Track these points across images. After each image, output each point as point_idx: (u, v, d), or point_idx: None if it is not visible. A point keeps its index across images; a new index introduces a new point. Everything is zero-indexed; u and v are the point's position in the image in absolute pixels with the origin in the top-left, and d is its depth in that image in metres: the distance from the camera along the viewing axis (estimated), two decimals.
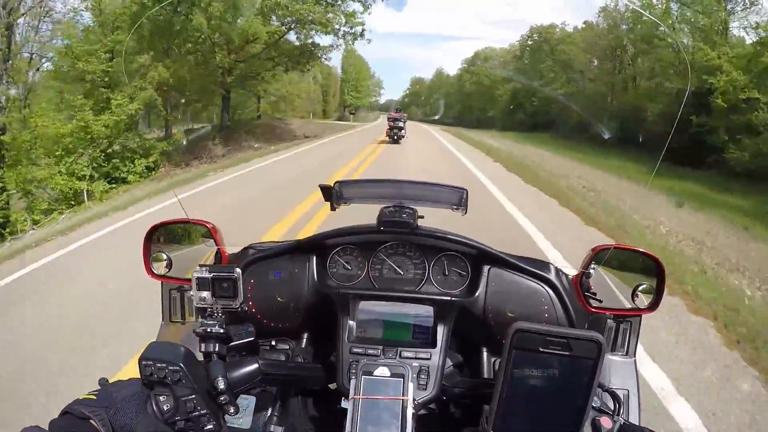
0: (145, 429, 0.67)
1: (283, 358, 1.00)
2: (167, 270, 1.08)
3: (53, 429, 0.60)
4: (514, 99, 41.63)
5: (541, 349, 0.62)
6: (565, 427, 0.65)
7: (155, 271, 1.07)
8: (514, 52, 51.04)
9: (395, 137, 17.69)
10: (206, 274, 0.84)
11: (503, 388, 0.64)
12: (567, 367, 0.62)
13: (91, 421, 0.62)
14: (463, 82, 61.58)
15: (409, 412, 0.72)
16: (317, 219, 5.75)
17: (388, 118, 18.44)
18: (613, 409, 0.76)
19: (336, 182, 1.02)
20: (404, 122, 18.07)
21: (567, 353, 0.62)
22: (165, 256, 1.08)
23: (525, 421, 0.65)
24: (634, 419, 1.00)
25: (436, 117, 64.76)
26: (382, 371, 0.77)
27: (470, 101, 57.01)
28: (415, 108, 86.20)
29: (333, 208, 1.04)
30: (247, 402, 0.90)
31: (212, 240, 1.07)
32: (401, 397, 0.73)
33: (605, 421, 0.71)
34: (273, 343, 1.01)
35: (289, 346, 1.02)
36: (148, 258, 1.07)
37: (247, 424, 0.88)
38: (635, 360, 1.09)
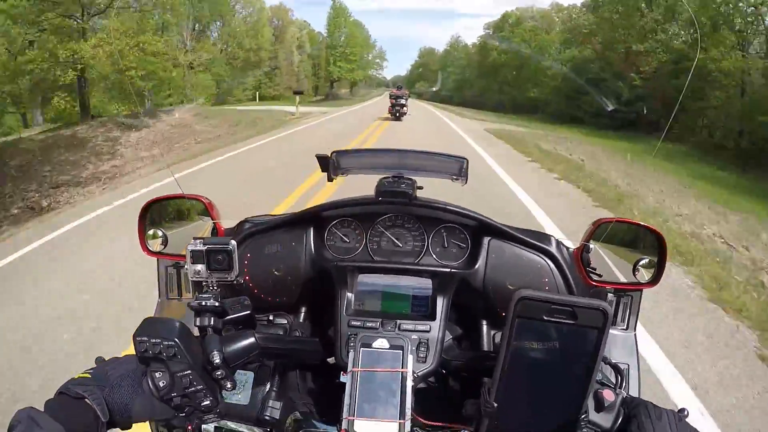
0: (141, 406, 0.66)
1: (280, 332, 0.99)
2: (163, 247, 1.06)
3: (48, 409, 0.59)
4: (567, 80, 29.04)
5: (545, 318, 0.60)
6: (569, 399, 0.63)
7: (150, 248, 1.05)
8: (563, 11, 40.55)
9: (397, 114, 18.19)
10: (200, 247, 0.82)
11: (505, 359, 0.62)
12: (571, 337, 0.61)
13: (86, 400, 0.61)
14: (488, 51, 47.84)
15: (409, 384, 0.71)
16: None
17: (390, 96, 18.81)
18: (615, 382, 0.75)
19: (333, 152, 0.99)
20: (406, 99, 18.58)
21: (572, 322, 0.60)
22: (160, 233, 1.06)
23: (527, 392, 0.64)
24: (634, 393, 1.00)
25: (446, 96, 56.88)
26: (380, 343, 0.75)
27: (498, 77, 44.65)
28: (425, 84, 78.03)
29: (330, 179, 1.01)
30: (245, 377, 0.89)
31: (208, 215, 1.05)
32: (400, 369, 0.72)
33: (608, 394, 0.69)
34: (270, 317, 1.00)
35: (286, 321, 1.01)
36: (143, 235, 1.05)
37: (246, 399, 0.88)
38: (635, 335, 1.08)
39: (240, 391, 0.87)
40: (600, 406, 0.69)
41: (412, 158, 1.01)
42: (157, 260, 1.13)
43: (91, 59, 13.80)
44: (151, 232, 1.06)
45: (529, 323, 0.61)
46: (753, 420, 2.43)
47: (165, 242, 1.06)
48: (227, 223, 1.09)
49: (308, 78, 58.06)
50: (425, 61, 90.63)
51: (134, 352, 0.68)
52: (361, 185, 1.02)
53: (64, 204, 8.04)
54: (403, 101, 18.13)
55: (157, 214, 1.09)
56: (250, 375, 0.91)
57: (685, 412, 0.66)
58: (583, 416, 0.65)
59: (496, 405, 0.63)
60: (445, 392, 0.99)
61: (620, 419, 0.68)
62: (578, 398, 0.63)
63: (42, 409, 0.58)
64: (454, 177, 0.99)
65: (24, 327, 3.31)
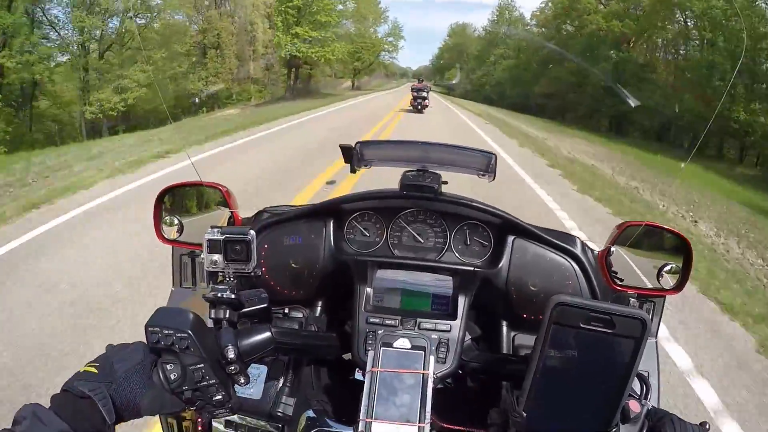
0: (151, 400, 0.64)
1: (296, 326, 0.97)
2: (178, 234, 1.04)
3: (54, 406, 0.57)
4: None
5: (582, 326, 0.56)
6: (601, 411, 0.60)
7: (166, 236, 1.04)
8: None
9: (419, 107, 18.44)
10: (218, 236, 0.79)
11: (538, 367, 0.58)
12: (607, 346, 0.57)
13: (92, 399, 0.59)
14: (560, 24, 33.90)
15: (429, 386, 0.68)
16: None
17: (412, 89, 19.02)
18: (640, 392, 0.71)
19: (357, 143, 0.96)
20: (427, 92, 18.90)
21: (609, 331, 0.56)
22: (176, 221, 1.04)
23: (558, 403, 0.60)
24: (653, 401, 0.96)
25: (487, 94, 40.64)
26: (402, 343, 0.72)
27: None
28: (457, 72, 59.60)
29: (353, 170, 0.98)
30: (258, 372, 0.87)
31: (226, 204, 1.03)
32: (422, 371, 0.68)
33: (633, 405, 0.66)
34: (286, 311, 0.98)
35: (302, 315, 0.99)
36: (159, 222, 1.04)
37: (258, 394, 0.86)
38: (657, 342, 1.05)
39: (252, 385, 0.85)
40: (625, 418, 0.66)
41: (437, 152, 0.97)
42: (172, 248, 1.11)
43: None
44: (167, 219, 1.04)
45: (565, 330, 0.57)
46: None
47: (181, 230, 1.04)
48: (245, 212, 1.07)
49: (349, 64, 43.82)
50: (458, 43, 66.44)
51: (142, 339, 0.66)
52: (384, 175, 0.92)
53: None
54: (424, 94, 18.46)
55: (174, 200, 1.07)
56: (264, 369, 0.89)
57: (707, 426, 0.64)
58: (615, 429, 0.62)
59: (525, 415, 0.60)
60: (462, 394, 0.96)
61: (645, 431, 0.65)
62: (610, 411, 0.59)
63: (47, 406, 0.57)
64: (481, 173, 0.96)
65: None
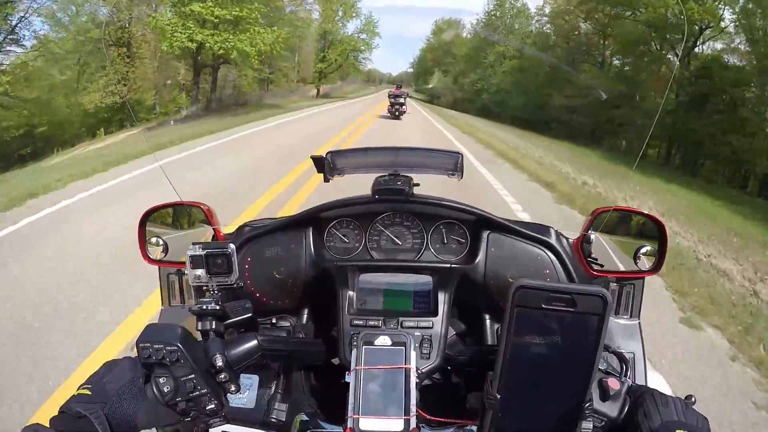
0: (146, 414, 0.66)
1: (283, 334, 0.99)
2: (164, 254, 1.07)
3: (53, 426, 0.59)
4: None
5: (544, 306, 0.60)
6: (573, 388, 0.63)
7: (151, 256, 1.06)
8: None
9: (396, 113, 18.43)
10: (199, 252, 0.82)
11: (506, 350, 0.62)
12: (572, 325, 0.60)
13: (88, 418, 0.61)
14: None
15: (413, 380, 0.71)
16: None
17: (389, 95, 19.16)
18: (620, 370, 0.75)
19: (328, 152, 0.99)
20: (404, 98, 18.86)
21: (571, 309, 0.59)
22: (161, 241, 1.07)
23: (530, 382, 0.63)
24: (640, 381, 1.00)
25: (484, 104, 31.86)
26: (383, 341, 0.75)
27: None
28: (441, 77, 49.56)
29: (326, 180, 1.01)
30: (250, 381, 0.89)
31: (208, 221, 1.05)
32: (404, 366, 0.72)
33: (613, 383, 0.69)
34: (273, 320, 1.01)
35: (289, 323, 1.01)
36: (144, 243, 1.06)
37: (251, 402, 0.88)
38: (639, 322, 1.08)
39: (245, 395, 0.88)
40: (605, 395, 0.69)
41: (407, 155, 1.01)
42: (159, 268, 1.13)
43: None
44: (152, 240, 1.07)
45: (529, 312, 0.60)
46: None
47: (166, 250, 1.07)
48: (228, 228, 1.09)
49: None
50: (443, 42, 55.24)
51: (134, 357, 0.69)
52: (362, 183, 0.99)
53: None
54: (401, 100, 18.61)
55: (158, 222, 1.09)
56: (255, 378, 0.91)
57: (693, 399, 0.66)
58: (587, 405, 0.65)
59: (498, 396, 0.63)
60: (450, 388, 0.99)
61: (626, 407, 0.68)
62: (582, 387, 0.62)
63: (47, 426, 0.59)
64: (450, 172, 0.99)
65: None
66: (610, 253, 1.01)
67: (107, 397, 0.64)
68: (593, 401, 0.68)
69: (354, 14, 40.17)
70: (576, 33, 26.56)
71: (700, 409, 0.65)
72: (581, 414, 0.63)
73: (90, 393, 0.64)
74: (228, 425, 0.85)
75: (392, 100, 18.65)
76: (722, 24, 18.28)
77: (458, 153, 0.99)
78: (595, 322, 0.60)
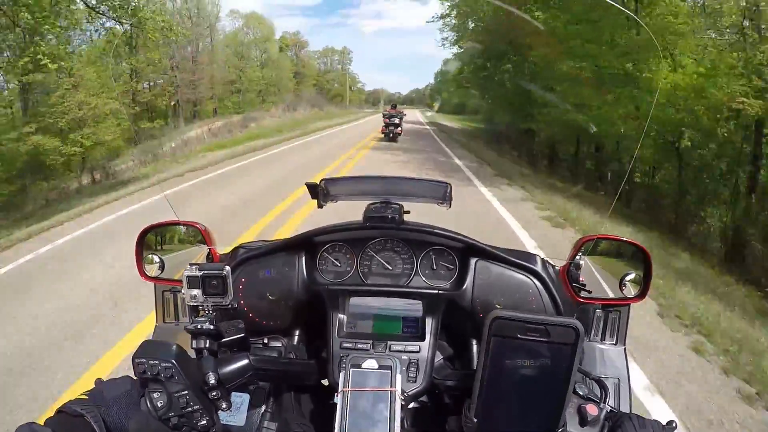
0: (138, 425, 0.68)
1: (275, 355, 1.01)
2: (160, 272, 1.09)
3: (49, 425, 0.61)
4: None
5: (519, 336, 0.63)
6: (547, 413, 0.66)
7: (148, 273, 1.08)
8: None
9: (390, 134, 17.02)
10: (196, 272, 0.85)
11: (484, 376, 0.65)
12: (546, 353, 0.64)
13: (85, 417, 0.63)
14: None
15: (398, 403, 0.73)
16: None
17: (384, 114, 17.73)
18: (599, 396, 0.78)
19: (322, 180, 1.03)
20: (400, 119, 17.26)
21: (545, 339, 0.63)
22: (157, 258, 1.09)
23: (507, 408, 0.66)
24: (624, 407, 1.01)
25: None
26: (370, 364, 0.78)
27: None
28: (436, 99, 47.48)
29: (320, 206, 1.05)
30: (240, 399, 0.91)
31: (204, 241, 1.08)
32: (389, 389, 0.74)
33: (591, 409, 0.72)
34: (266, 340, 1.03)
35: (281, 344, 1.03)
36: (141, 260, 1.08)
37: (242, 421, 0.90)
38: (625, 349, 1.10)
39: (236, 413, 0.90)
40: (584, 421, 0.72)
41: (398, 184, 1.05)
42: (155, 285, 1.15)
43: None
44: (148, 257, 1.09)
45: (506, 342, 0.64)
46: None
47: (162, 267, 1.09)
48: (223, 248, 1.12)
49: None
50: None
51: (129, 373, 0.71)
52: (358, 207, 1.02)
53: None
54: (396, 121, 16.89)
55: (155, 240, 1.12)
56: (246, 397, 0.93)
57: (674, 424, 0.68)
58: (561, 430, 0.68)
59: (476, 420, 0.66)
60: (436, 412, 1.01)
61: None
62: (556, 412, 0.66)
63: (41, 424, 0.61)
64: (439, 201, 1.03)
65: None
66: (596, 279, 1.03)
67: (103, 401, 0.67)
68: (569, 426, 0.71)
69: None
70: None
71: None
72: None
73: (87, 397, 0.67)
74: None
75: (386, 120, 16.96)
76: None
77: (447, 183, 1.03)
78: (568, 351, 0.63)
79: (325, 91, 57.98)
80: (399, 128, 17.09)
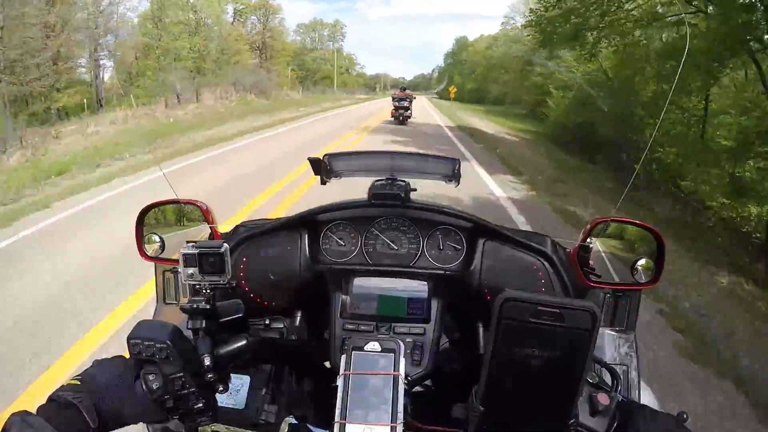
0: (133, 408, 0.66)
1: (276, 336, 0.99)
2: (160, 251, 1.07)
3: (41, 413, 0.59)
4: None
5: (531, 320, 0.59)
6: (559, 402, 0.63)
7: (148, 253, 1.06)
8: None
9: (401, 117, 17.30)
10: (193, 250, 0.82)
11: (492, 362, 0.61)
12: (559, 339, 0.59)
13: (77, 406, 0.61)
14: None
15: (401, 387, 0.70)
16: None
17: (393, 98, 18.04)
18: (611, 385, 0.74)
19: (326, 155, 0.99)
20: (410, 102, 17.62)
21: (559, 324, 0.59)
22: (157, 238, 1.07)
23: (515, 395, 0.63)
24: (633, 395, 0.99)
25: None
26: (372, 346, 0.75)
27: None
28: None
29: (323, 182, 1.02)
30: (241, 381, 0.89)
31: (205, 220, 1.05)
32: (392, 373, 0.71)
33: (602, 398, 0.68)
34: (267, 321, 1.00)
35: (283, 325, 1.01)
36: (141, 239, 1.06)
37: (241, 403, 0.88)
38: (634, 335, 1.07)
39: (236, 395, 0.88)
40: (594, 410, 0.68)
41: (404, 160, 1.01)
42: (155, 265, 1.13)
43: None
44: (148, 236, 1.07)
45: (515, 325, 0.60)
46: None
47: (162, 247, 1.07)
48: (224, 227, 1.10)
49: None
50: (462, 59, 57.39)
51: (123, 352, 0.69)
52: (363, 186, 0.97)
53: None
54: (406, 104, 17.34)
55: (155, 219, 1.09)
56: (247, 379, 0.91)
57: (685, 416, 0.65)
58: (572, 421, 0.65)
59: (482, 409, 0.63)
60: (440, 396, 0.99)
61: (615, 423, 0.68)
62: (568, 402, 0.62)
63: (34, 413, 0.59)
64: (447, 179, 0.99)
65: None
66: (607, 263, 1.00)
67: (96, 388, 0.64)
68: (580, 416, 0.68)
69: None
70: None
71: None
72: (567, 430, 0.63)
73: (79, 383, 0.64)
74: (216, 425, 0.85)
75: (396, 103, 17.38)
76: None
77: (456, 159, 0.98)
78: (583, 338, 0.59)
79: (311, 73, 51.32)
80: (408, 111, 17.54)
